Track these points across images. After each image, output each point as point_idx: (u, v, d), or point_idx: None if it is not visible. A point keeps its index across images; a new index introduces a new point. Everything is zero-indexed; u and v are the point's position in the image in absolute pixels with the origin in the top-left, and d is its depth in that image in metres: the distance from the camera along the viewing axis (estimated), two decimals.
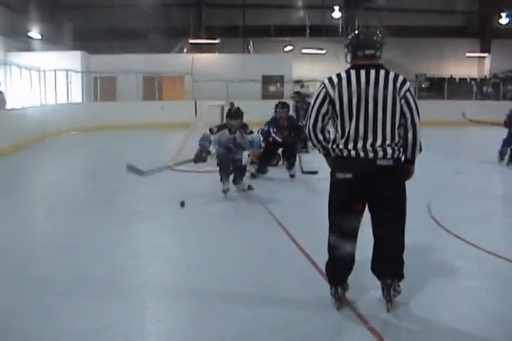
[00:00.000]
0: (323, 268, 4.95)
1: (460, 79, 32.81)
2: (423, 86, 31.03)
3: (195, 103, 22.78)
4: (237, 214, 8.52)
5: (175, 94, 27.84)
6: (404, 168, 4.58)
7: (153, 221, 8.13)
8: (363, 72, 4.44)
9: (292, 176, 11.52)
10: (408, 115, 4.44)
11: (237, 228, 7.63)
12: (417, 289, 5.05)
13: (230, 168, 9.70)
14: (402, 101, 4.41)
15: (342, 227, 4.58)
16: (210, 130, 9.62)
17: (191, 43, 30.57)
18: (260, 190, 10.00)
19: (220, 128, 9.71)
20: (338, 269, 4.74)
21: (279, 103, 12.49)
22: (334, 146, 4.52)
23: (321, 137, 4.58)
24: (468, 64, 34.88)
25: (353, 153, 4.41)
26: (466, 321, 4.47)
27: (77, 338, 4.20)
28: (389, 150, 4.39)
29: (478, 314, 4.67)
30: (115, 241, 6.95)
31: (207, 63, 28.18)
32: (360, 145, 4.40)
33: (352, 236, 4.58)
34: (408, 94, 4.45)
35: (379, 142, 4.39)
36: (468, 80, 32.56)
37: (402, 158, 4.53)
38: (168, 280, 5.65)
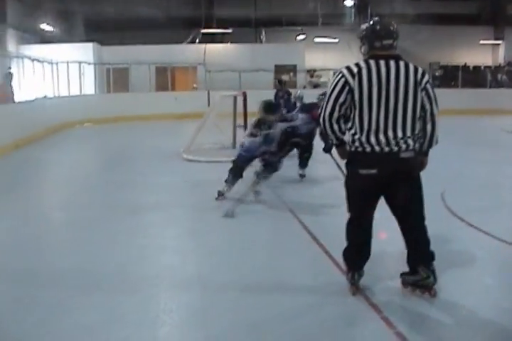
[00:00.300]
0: (336, 256, 4.96)
1: (474, 67, 32.56)
2: (436, 74, 30.84)
3: (208, 93, 22.75)
4: (249, 205, 8.48)
5: (187, 84, 27.85)
6: (420, 159, 4.57)
7: (164, 211, 8.12)
8: (382, 63, 4.38)
9: (302, 176, 10.22)
10: (428, 107, 4.44)
11: (249, 217, 7.61)
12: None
13: (243, 174, 8.69)
14: (423, 93, 4.40)
15: (361, 219, 4.64)
16: (252, 134, 8.62)
17: (203, 33, 30.48)
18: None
19: (256, 126, 8.64)
20: (356, 256, 4.78)
21: None
22: (354, 139, 4.46)
23: (336, 127, 4.52)
24: (482, 52, 34.59)
25: (377, 148, 4.37)
26: (480, 310, 4.45)
27: (90, 329, 4.22)
28: (410, 142, 4.38)
29: (492, 303, 4.65)
30: (127, 233, 6.97)
31: (219, 53, 28.16)
32: (382, 138, 4.36)
33: (369, 225, 4.65)
34: (428, 85, 4.44)
35: (400, 134, 4.36)
36: (483, 68, 32.34)
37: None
38: (180, 270, 5.66)
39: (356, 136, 4.44)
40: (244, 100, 13.09)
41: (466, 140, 16.88)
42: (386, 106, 4.34)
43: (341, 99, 4.42)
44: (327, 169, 9.81)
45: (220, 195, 8.54)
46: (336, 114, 4.47)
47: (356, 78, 4.36)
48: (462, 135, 18.57)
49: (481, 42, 34.01)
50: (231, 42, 30.14)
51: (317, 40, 31.62)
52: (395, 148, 4.35)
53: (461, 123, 21.52)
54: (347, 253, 4.82)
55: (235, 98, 13.69)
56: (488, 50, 35.20)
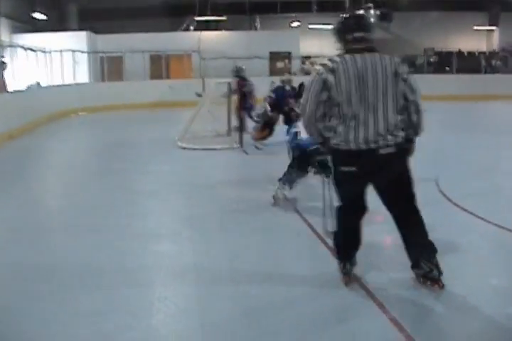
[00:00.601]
0: (332, 245, 4.98)
1: (468, 53, 32.52)
2: (431, 60, 30.80)
3: (203, 81, 22.68)
4: (245, 193, 8.49)
5: (182, 72, 27.76)
6: (406, 149, 4.53)
7: (161, 199, 8.16)
8: (358, 57, 4.33)
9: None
10: (412, 97, 4.38)
11: (246, 206, 7.61)
12: None
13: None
14: (403, 83, 4.34)
15: (352, 206, 4.63)
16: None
17: (197, 21, 30.37)
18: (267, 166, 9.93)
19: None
20: (347, 244, 4.77)
21: None
22: (334, 136, 4.42)
23: (319, 126, 4.50)
24: (476, 37, 34.51)
25: (353, 145, 4.33)
26: (475, 294, 4.48)
27: (86, 319, 4.23)
28: (391, 137, 4.33)
29: (487, 287, 4.68)
30: (124, 221, 6.99)
31: (214, 41, 28.07)
32: (361, 135, 4.32)
33: (361, 212, 4.64)
34: (408, 75, 4.39)
35: (381, 129, 4.31)
36: (477, 54, 32.31)
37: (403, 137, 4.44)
38: (175, 258, 5.68)
39: (336, 134, 4.40)
40: (239, 87, 13.10)
41: (460, 125, 16.89)
42: (366, 101, 4.30)
43: (322, 97, 4.38)
44: None
45: (277, 199, 7.41)
46: (318, 113, 4.43)
47: (334, 75, 4.31)
48: (457, 120, 18.59)
49: (476, 28, 33.94)
50: (225, 30, 30.02)
51: (312, 26, 31.50)
52: (373, 145, 4.31)
53: (456, 108, 21.57)
54: (338, 241, 4.81)
55: (230, 85, 13.65)
56: (483, 36, 35.13)
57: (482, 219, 6.54)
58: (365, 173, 4.40)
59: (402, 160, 4.49)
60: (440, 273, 4.58)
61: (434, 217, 6.31)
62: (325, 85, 4.33)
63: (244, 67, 14.49)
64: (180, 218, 7.22)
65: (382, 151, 4.33)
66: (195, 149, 12.12)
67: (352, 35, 4.40)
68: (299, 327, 4.07)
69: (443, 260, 4.68)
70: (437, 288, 4.56)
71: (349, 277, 4.74)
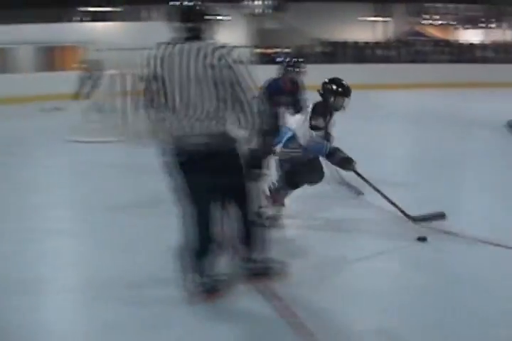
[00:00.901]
0: None
1: (365, 42, 33.11)
2: (325, 50, 31.18)
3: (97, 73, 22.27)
4: (142, 185, 8.44)
5: (73, 64, 27.15)
6: (232, 144, 4.42)
7: (51, 194, 8.05)
8: (177, 46, 4.27)
9: None
10: (239, 92, 4.21)
11: (143, 201, 7.56)
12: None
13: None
14: (228, 72, 4.17)
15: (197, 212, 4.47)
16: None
17: (91, 11, 29.83)
18: None
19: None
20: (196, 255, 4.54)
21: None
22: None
23: (152, 116, 4.52)
24: (368, 27, 35.22)
25: (173, 135, 4.36)
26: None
27: None
28: (204, 128, 4.27)
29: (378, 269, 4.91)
30: (14, 217, 6.88)
31: (108, 32, 27.58)
32: (177, 125, 4.32)
33: (207, 220, 4.49)
34: (229, 61, 4.19)
35: (195, 120, 4.27)
36: (371, 44, 32.96)
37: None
38: (65, 253, 5.64)
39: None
40: (134, 80, 12.98)
41: (362, 114, 17.22)
42: (180, 92, 4.24)
43: (147, 87, 4.40)
44: None
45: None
46: (149, 103, 4.46)
47: (151, 66, 4.32)
48: (359, 109, 18.87)
49: (369, 18, 34.64)
50: (121, 21, 29.62)
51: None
52: (188, 138, 4.30)
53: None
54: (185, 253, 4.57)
55: (124, 77, 13.50)
56: (377, 26, 35.87)
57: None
58: (185, 164, 4.34)
59: (225, 155, 4.36)
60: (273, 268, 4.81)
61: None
62: (146, 75, 4.36)
63: None
64: (70, 212, 7.13)
65: (195, 140, 4.28)
66: (87, 142, 11.94)
67: (174, 25, 4.33)
68: None
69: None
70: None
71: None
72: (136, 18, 30.08)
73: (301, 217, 6.71)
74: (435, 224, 6.09)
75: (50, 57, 26.44)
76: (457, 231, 5.95)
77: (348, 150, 6.07)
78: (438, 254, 5.52)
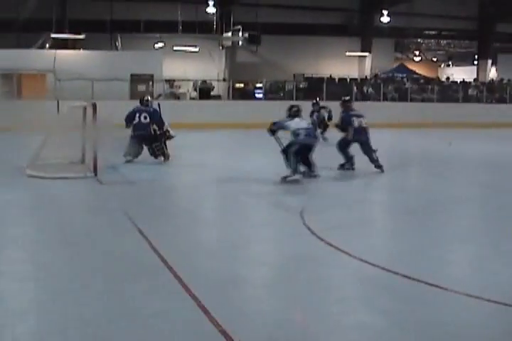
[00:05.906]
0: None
1: (340, 79, 33.58)
2: (301, 86, 31.44)
3: (58, 103, 22.28)
4: (97, 223, 8.38)
5: (35, 93, 27.09)
6: None
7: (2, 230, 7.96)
8: None
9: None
10: None
11: (97, 238, 7.53)
12: (290, 300, 5.25)
13: None
14: None
15: None
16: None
17: (54, 38, 29.88)
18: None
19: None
20: None
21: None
22: None
23: None
24: (348, 63, 35.79)
25: None
26: (339, 331, 4.68)
27: None
28: None
29: (351, 324, 4.85)
30: None
31: (71, 60, 27.64)
32: None
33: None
34: None
35: None
36: (348, 80, 33.40)
37: None
38: (15, 297, 5.54)
39: None
40: (94, 112, 12.82)
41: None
42: None
43: None
44: None
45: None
46: None
47: None
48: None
49: (348, 53, 35.19)
50: (84, 49, 29.70)
51: (176, 48, 31.62)
52: None
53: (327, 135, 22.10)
54: None
55: (85, 109, 13.40)
56: (355, 62, 36.49)
57: (347, 253, 6.74)
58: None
59: None
60: None
61: (298, 251, 6.54)
62: None
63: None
64: (21, 253, 7.04)
65: None
66: (44, 178, 11.81)
67: None
68: None
69: (306, 297, 4.75)
70: None
71: None
72: (98, 46, 30.12)
73: None
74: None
75: (13, 85, 26.27)
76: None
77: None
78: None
